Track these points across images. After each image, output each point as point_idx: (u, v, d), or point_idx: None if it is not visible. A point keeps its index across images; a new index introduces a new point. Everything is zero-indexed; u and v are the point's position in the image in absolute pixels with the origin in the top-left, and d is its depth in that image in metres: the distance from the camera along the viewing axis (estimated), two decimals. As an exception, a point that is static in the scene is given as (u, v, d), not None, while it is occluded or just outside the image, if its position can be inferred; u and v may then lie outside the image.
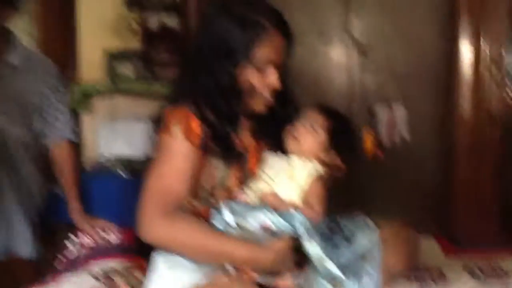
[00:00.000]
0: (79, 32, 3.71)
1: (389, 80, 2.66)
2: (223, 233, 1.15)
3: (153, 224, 1.15)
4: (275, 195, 1.18)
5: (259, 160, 1.30)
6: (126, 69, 3.58)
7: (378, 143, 2.62)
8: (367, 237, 1.20)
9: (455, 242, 1.63)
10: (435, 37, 2.61)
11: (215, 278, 1.12)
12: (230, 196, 1.24)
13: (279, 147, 1.31)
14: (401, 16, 2.62)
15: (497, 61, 2.60)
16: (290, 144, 1.25)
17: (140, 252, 1.53)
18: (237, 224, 1.14)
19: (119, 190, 2.38)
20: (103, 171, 2.72)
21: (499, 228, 2.55)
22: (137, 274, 1.37)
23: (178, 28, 3.75)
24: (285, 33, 1.26)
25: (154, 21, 3.81)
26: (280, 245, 1.13)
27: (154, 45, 3.80)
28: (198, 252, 1.15)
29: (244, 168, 1.29)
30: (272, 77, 1.24)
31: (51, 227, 2.48)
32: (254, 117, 1.31)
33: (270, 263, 1.14)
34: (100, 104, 3.28)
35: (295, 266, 1.15)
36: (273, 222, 1.11)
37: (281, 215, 1.12)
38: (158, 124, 1.26)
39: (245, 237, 1.13)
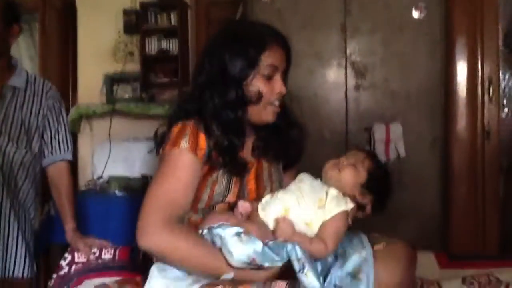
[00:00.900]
0: (79, 56, 3.77)
1: (386, 100, 2.67)
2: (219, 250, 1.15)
3: (155, 233, 1.14)
4: (288, 222, 1.16)
5: (258, 177, 1.33)
6: (125, 92, 3.62)
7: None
8: (358, 254, 1.17)
9: (452, 257, 1.61)
10: (431, 57, 2.63)
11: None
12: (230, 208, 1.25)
13: (279, 164, 1.36)
14: (397, 37, 2.65)
15: (493, 79, 2.62)
16: (331, 174, 1.27)
17: (133, 269, 1.52)
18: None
19: (114, 209, 2.37)
20: (99, 190, 2.71)
21: (498, 246, 2.53)
22: (131, 290, 1.35)
23: (176, 52, 3.81)
24: (284, 46, 1.34)
25: (153, 45, 3.87)
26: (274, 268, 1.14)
27: (152, 69, 3.86)
28: (195, 265, 1.15)
29: (243, 183, 1.30)
30: (279, 84, 1.30)
31: (46, 248, 2.46)
32: (261, 129, 1.35)
33: (260, 280, 1.15)
34: (98, 125, 3.30)
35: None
36: (263, 258, 1.10)
37: (277, 247, 1.11)
38: (162, 140, 1.29)
39: None
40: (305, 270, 1.08)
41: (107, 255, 1.76)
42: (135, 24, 3.83)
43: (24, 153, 1.91)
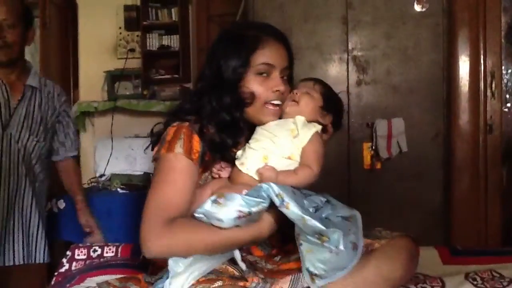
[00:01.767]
0: (80, 53, 3.77)
1: (387, 95, 2.66)
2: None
3: (155, 240, 1.14)
4: (269, 168, 1.21)
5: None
6: (126, 88, 3.61)
7: (377, 156, 2.61)
8: (348, 210, 1.25)
9: (455, 252, 1.60)
10: (433, 51, 2.61)
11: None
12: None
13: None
14: (399, 30, 2.63)
15: (495, 74, 2.61)
16: (290, 108, 1.31)
17: (136, 267, 1.52)
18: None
19: (116, 206, 2.38)
20: (101, 187, 2.71)
21: (500, 239, 2.53)
22: (133, 287, 1.35)
23: (177, 48, 3.80)
24: (281, 39, 1.34)
25: (154, 41, 3.86)
26: (269, 215, 1.18)
27: (153, 65, 3.85)
28: (204, 247, 1.15)
29: None
30: (275, 82, 1.30)
31: (49, 245, 2.46)
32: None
33: (269, 231, 1.19)
34: (99, 122, 3.30)
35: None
36: (247, 206, 1.12)
37: (255, 191, 1.14)
38: (158, 138, 1.30)
39: None
40: (285, 203, 1.11)
41: (109, 252, 1.76)
42: (135, 20, 3.82)
43: (43, 146, 2.11)
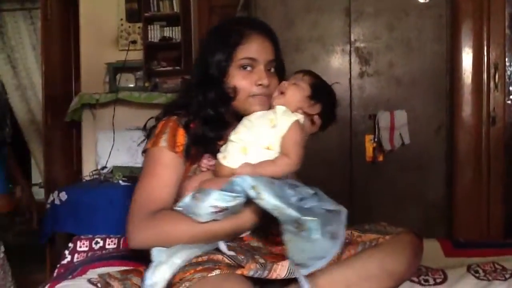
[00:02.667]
0: (81, 45, 3.75)
1: (390, 87, 2.65)
2: None
3: (139, 232, 1.20)
4: (244, 165, 1.21)
5: None
6: (127, 80, 3.60)
7: (379, 149, 2.61)
8: (334, 206, 1.21)
9: (457, 245, 1.60)
10: (436, 42, 2.60)
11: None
12: None
13: None
14: (402, 21, 2.62)
15: (499, 65, 2.59)
16: (277, 99, 1.31)
17: (137, 259, 1.52)
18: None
19: (118, 199, 2.37)
20: (103, 180, 2.71)
21: (502, 231, 2.53)
22: (134, 279, 1.35)
23: (179, 39, 3.78)
24: (265, 33, 1.35)
25: (156, 33, 3.84)
26: (250, 207, 1.18)
27: (155, 57, 3.83)
28: (185, 239, 1.18)
29: None
30: (258, 75, 1.31)
31: (51, 237, 2.47)
32: None
33: (250, 223, 1.21)
34: (101, 114, 3.30)
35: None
36: (223, 201, 1.13)
37: (230, 186, 1.14)
38: (150, 133, 1.34)
39: None
40: (260, 194, 1.11)
41: (111, 244, 1.77)
42: (137, 11, 3.80)
43: None
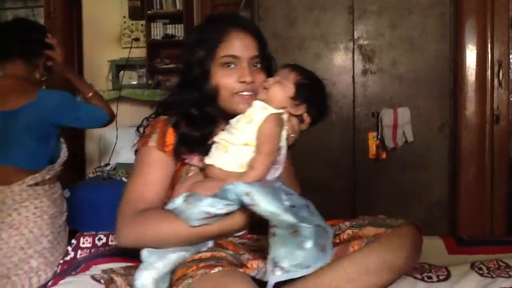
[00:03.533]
0: (84, 43, 3.76)
1: (393, 84, 2.65)
2: None
3: (123, 229, 1.22)
4: (216, 174, 1.21)
5: None
6: (130, 78, 3.61)
7: (382, 146, 2.60)
8: (323, 223, 1.20)
9: (461, 242, 1.60)
10: (440, 40, 2.60)
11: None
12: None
13: None
14: (405, 19, 2.62)
15: (502, 63, 2.58)
16: (261, 97, 1.29)
17: (138, 254, 1.52)
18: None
19: (120, 195, 2.37)
20: (106, 177, 2.72)
21: (506, 229, 2.52)
22: (138, 275, 1.35)
23: (182, 37, 3.79)
24: (247, 29, 1.33)
25: (158, 30, 3.84)
26: (240, 211, 1.18)
27: (158, 54, 3.84)
28: (171, 239, 1.18)
29: None
30: (241, 72, 1.30)
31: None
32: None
33: (239, 226, 1.21)
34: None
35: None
36: (215, 208, 1.13)
37: (224, 193, 1.14)
38: (141, 136, 1.35)
39: None
40: (255, 200, 1.10)
41: (114, 241, 1.77)
42: (140, 9, 3.81)
43: None
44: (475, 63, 2.61)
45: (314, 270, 1.08)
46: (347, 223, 1.27)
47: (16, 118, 1.89)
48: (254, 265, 1.12)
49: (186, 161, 1.30)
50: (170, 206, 1.17)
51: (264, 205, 1.10)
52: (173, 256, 1.18)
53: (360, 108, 2.67)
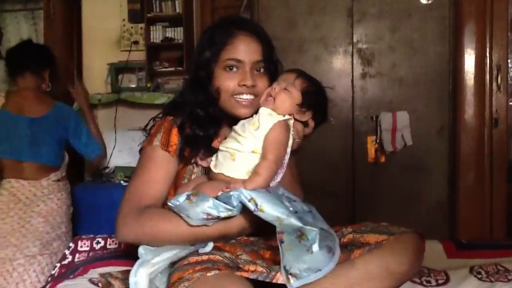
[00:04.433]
0: (84, 46, 3.75)
1: (392, 88, 2.65)
2: None
3: (124, 226, 1.21)
4: (215, 185, 1.21)
5: None
6: (129, 81, 3.60)
7: (381, 150, 2.60)
8: (327, 227, 1.20)
9: (460, 246, 1.59)
10: (439, 44, 2.60)
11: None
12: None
13: None
14: (405, 23, 2.62)
15: (501, 67, 2.59)
16: (265, 103, 1.29)
17: (137, 258, 1.52)
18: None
19: (120, 199, 2.37)
20: (105, 180, 2.71)
21: (505, 233, 2.52)
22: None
23: (181, 40, 3.78)
24: (253, 33, 1.34)
25: (158, 34, 3.84)
26: (240, 216, 1.18)
27: (157, 57, 3.83)
28: (169, 238, 1.19)
29: None
30: (242, 76, 1.31)
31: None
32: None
33: (237, 230, 1.21)
34: (103, 115, 3.30)
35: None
36: (216, 210, 1.13)
37: (227, 197, 1.14)
38: (147, 135, 1.36)
39: None
40: (259, 206, 1.11)
41: (112, 244, 1.77)
42: (139, 12, 3.80)
43: None
44: (474, 67, 2.62)
45: (326, 273, 1.08)
46: (350, 229, 1.27)
47: (42, 123, 2.32)
48: (251, 269, 1.12)
49: (192, 160, 1.31)
50: (172, 202, 1.17)
51: (269, 210, 1.11)
52: (169, 255, 1.18)
53: (359, 111, 2.67)
